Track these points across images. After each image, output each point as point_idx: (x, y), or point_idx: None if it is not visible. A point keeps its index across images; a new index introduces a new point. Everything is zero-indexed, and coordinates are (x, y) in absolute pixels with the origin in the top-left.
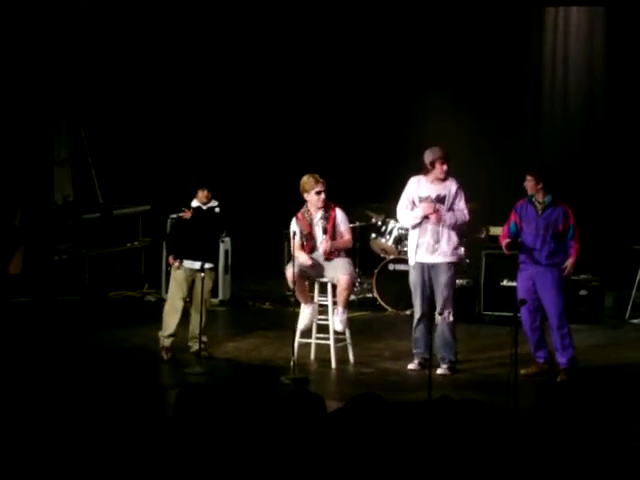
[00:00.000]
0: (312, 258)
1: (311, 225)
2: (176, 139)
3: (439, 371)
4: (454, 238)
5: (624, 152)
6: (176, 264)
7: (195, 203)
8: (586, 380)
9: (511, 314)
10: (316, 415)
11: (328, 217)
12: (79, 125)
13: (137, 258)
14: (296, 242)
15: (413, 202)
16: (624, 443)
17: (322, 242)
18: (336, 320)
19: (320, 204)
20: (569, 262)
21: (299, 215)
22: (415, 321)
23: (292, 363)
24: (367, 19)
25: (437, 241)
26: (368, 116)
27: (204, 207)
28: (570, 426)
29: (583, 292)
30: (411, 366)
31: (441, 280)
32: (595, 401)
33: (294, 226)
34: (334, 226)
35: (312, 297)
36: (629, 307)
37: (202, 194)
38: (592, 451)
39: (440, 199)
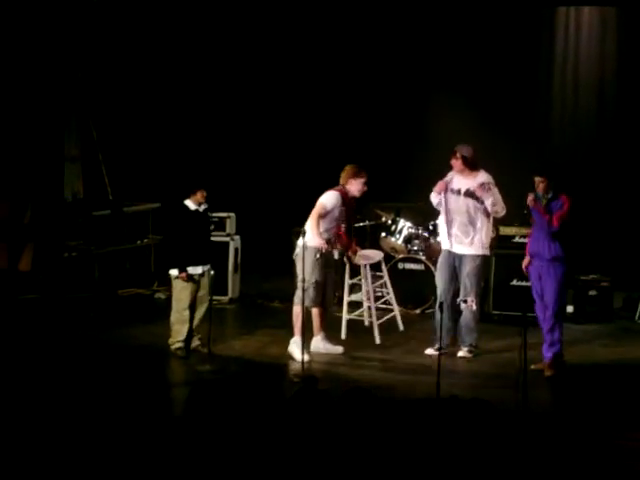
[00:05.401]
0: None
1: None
2: (186, 136)
3: (460, 354)
4: (483, 232)
5: (635, 151)
6: (184, 275)
7: (192, 205)
8: (594, 380)
9: (520, 314)
10: (324, 412)
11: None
12: (89, 122)
13: (147, 255)
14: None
15: (446, 191)
16: (627, 444)
17: (354, 249)
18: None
19: (360, 193)
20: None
21: (342, 193)
22: (437, 306)
23: (301, 361)
24: (375, 19)
25: (464, 233)
26: (379, 116)
27: (201, 209)
28: (576, 426)
29: (593, 292)
30: (428, 351)
31: (466, 269)
32: (602, 401)
33: (335, 200)
34: None
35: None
36: (639, 308)
37: (201, 194)
38: (597, 451)
39: (470, 193)
